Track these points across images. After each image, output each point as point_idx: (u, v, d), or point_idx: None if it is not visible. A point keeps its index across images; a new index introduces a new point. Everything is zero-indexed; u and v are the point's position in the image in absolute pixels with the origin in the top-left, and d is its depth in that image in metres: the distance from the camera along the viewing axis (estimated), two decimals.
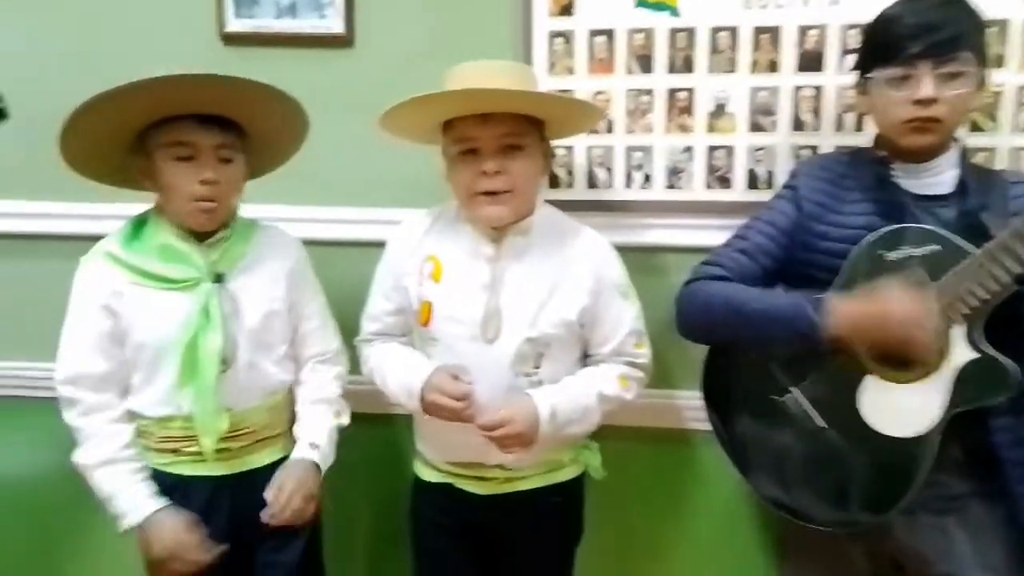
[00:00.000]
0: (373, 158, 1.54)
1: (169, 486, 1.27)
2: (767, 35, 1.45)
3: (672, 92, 1.49)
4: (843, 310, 1.14)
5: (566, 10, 1.48)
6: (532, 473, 1.32)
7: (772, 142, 1.48)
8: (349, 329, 1.42)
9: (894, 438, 1.17)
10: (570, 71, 1.50)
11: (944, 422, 1.14)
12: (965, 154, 1.23)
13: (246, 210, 1.36)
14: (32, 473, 1.75)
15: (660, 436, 1.59)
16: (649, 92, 1.49)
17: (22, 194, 1.61)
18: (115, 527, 1.26)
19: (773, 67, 1.46)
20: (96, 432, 1.26)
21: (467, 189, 1.24)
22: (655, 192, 1.53)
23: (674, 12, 1.46)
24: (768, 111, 1.47)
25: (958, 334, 1.13)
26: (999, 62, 1.38)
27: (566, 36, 1.49)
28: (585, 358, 1.34)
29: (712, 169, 1.51)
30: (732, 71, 1.47)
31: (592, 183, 1.54)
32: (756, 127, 1.48)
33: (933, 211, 1.19)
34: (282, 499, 1.27)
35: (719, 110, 1.48)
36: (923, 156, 1.20)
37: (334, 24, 1.51)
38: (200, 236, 1.27)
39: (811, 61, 1.44)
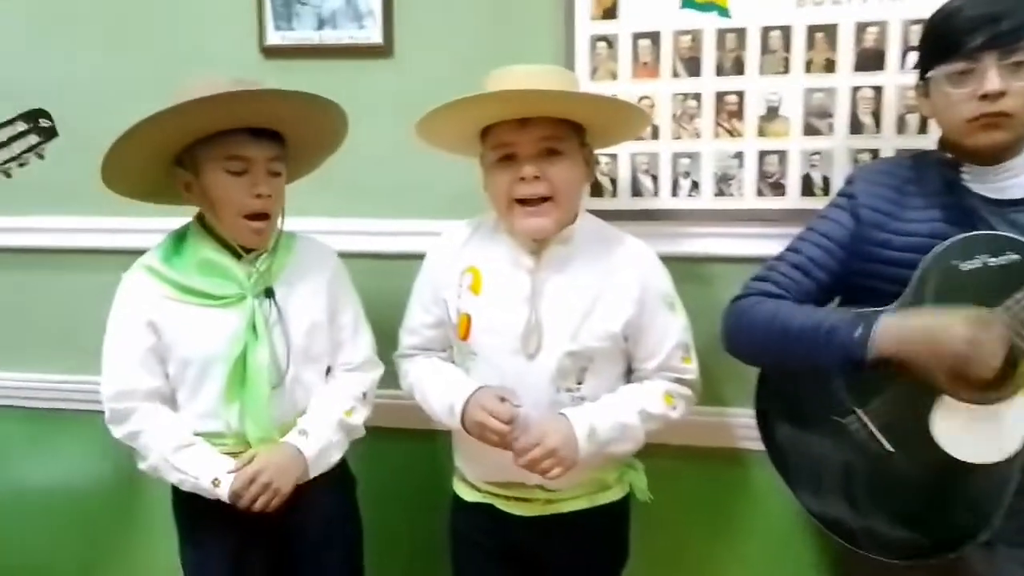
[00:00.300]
0: (413, 169, 1.52)
1: (214, 500, 1.24)
2: (822, 33, 1.37)
3: (721, 95, 1.42)
4: (891, 330, 1.06)
5: (609, 13, 1.43)
6: (575, 495, 1.27)
7: (828, 146, 1.41)
8: (389, 343, 1.39)
9: (972, 464, 1.07)
10: (613, 76, 1.45)
11: None
12: None
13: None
14: (81, 484, 1.78)
15: (710, 456, 1.52)
16: (696, 96, 1.43)
17: (71, 209, 1.64)
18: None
19: (829, 67, 1.38)
20: (157, 429, 1.23)
21: (505, 196, 1.20)
22: (703, 200, 1.46)
23: (723, 12, 1.40)
24: (824, 113, 1.40)
25: None
26: None
27: (609, 40, 1.44)
28: (630, 373, 1.29)
29: (764, 175, 1.44)
30: (785, 72, 1.40)
31: (637, 191, 1.49)
32: (811, 130, 1.41)
33: (1008, 217, 1.10)
34: (243, 476, 1.18)
35: (771, 113, 1.42)
36: (994, 157, 1.11)
37: (373, 34, 1.50)
38: (241, 250, 1.25)
39: (870, 60, 1.37)
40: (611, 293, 1.22)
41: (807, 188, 1.42)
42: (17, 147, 1.23)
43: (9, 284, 1.72)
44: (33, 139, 1.25)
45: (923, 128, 1.36)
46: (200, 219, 1.28)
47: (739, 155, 1.44)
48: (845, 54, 1.37)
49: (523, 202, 1.19)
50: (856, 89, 1.38)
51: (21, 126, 1.25)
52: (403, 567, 1.68)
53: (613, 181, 1.49)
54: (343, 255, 1.39)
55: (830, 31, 1.37)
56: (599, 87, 1.44)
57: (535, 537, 1.28)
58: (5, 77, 1.64)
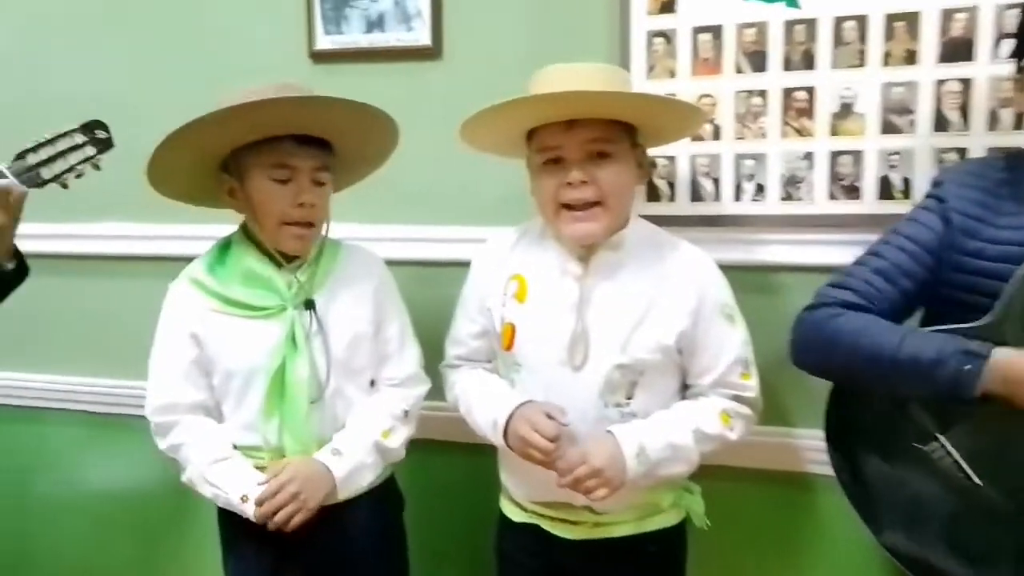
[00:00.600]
0: (461, 173, 1.47)
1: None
2: (902, 22, 1.26)
3: (788, 92, 1.32)
4: (1001, 367, 0.95)
5: (667, 7, 1.35)
6: (625, 519, 1.19)
7: (909, 145, 1.29)
8: (434, 353, 1.34)
9: None
10: (671, 73, 1.37)
11: None
12: None
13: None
14: (136, 488, 1.80)
15: (774, 479, 1.42)
16: (762, 93, 1.33)
17: (125, 216, 1.66)
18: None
19: (910, 58, 1.26)
20: (196, 442, 1.22)
21: (552, 201, 1.14)
22: (769, 205, 1.36)
23: (791, 2, 1.30)
24: (904, 109, 1.28)
25: None
26: None
27: (667, 35, 1.36)
28: (686, 389, 1.20)
29: (836, 177, 1.33)
30: (860, 65, 1.29)
31: (697, 195, 1.40)
32: (889, 128, 1.29)
33: None
34: (272, 484, 1.14)
35: (845, 110, 1.31)
36: None
37: (421, 36, 1.46)
38: (284, 259, 1.22)
39: (957, 50, 1.24)
40: (664, 303, 1.14)
41: (885, 191, 1.31)
42: (74, 158, 1.24)
43: (66, 289, 1.76)
44: (90, 150, 1.26)
45: (1019, 124, 1.23)
46: (244, 228, 1.26)
47: (809, 156, 1.33)
48: (928, 44, 1.25)
49: (570, 207, 1.13)
50: (941, 82, 1.26)
51: (79, 137, 1.25)
52: None
53: (671, 184, 1.41)
54: (389, 263, 1.35)
55: (911, 19, 1.25)
56: (656, 86, 1.36)
57: (582, 561, 1.21)
58: (62, 88, 1.69)
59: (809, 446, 1.35)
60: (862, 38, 1.28)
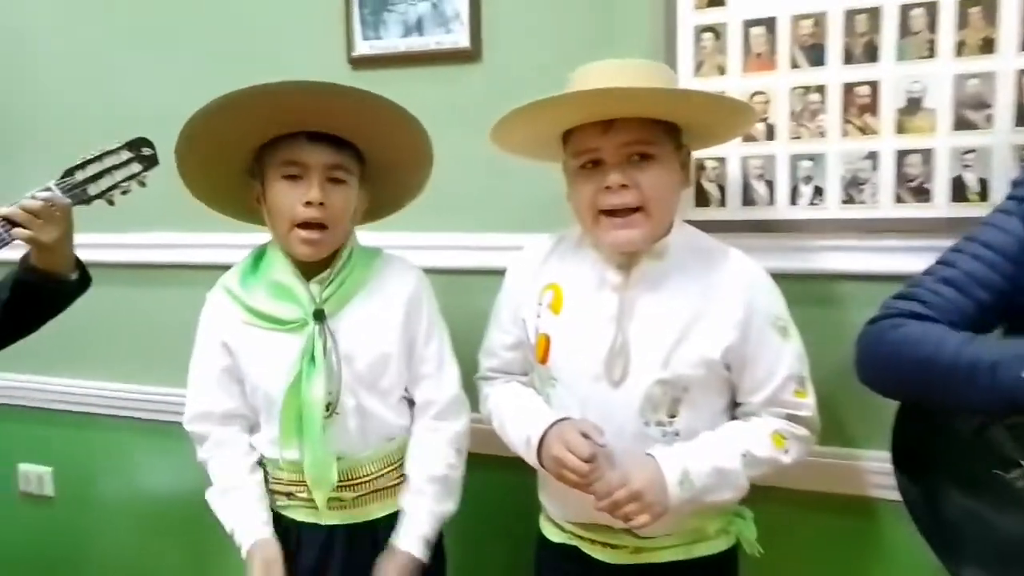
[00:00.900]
0: (500, 179, 1.43)
1: (285, 529, 1.22)
2: (977, 8, 1.15)
3: (850, 87, 1.23)
4: None
5: (716, 0, 1.28)
6: (669, 544, 1.12)
7: (986, 142, 1.18)
8: (469, 365, 1.30)
9: None
10: (721, 71, 1.29)
11: None
12: None
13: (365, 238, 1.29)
14: (183, 493, 1.82)
15: (833, 504, 1.32)
16: (820, 89, 1.24)
17: (175, 226, 1.67)
18: None
19: (987, 47, 1.16)
20: (221, 466, 1.23)
21: (590, 207, 1.08)
22: (829, 209, 1.27)
23: None
24: (980, 103, 1.17)
25: None
26: None
27: (716, 30, 1.28)
28: (735, 407, 1.12)
29: (903, 179, 1.22)
30: (930, 56, 1.19)
31: (749, 200, 1.31)
32: (963, 124, 1.18)
33: None
34: None
35: (912, 105, 1.20)
36: None
37: (460, 38, 1.43)
38: (312, 270, 1.18)
39: None
40: (710, 315, 1.07)
41: (959, 193, 1.20)
42: (119, 175, 1.26)
43: (117, 298, 1.78)
44: (135, 167, 1.28)
45: None
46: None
47: (872, 156, 1.24)
48: (1009, 31, 1.14)
49: (610, 213, 1.06)
50: (1022, 73, 1.15)
51: (124, 154, 1.27)
52: None
53: (721, 188, 1.33)
54: (425, 271, 1.30)
55: (988, 5, 1.15)
56: (704, 84, 1.29)
57: None
58: (108, 103, 1.72)
59: (873, 468, 1.26)
60: (932, 27, 1.18)
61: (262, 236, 1.28)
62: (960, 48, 1.17)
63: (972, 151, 1.19)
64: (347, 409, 1.17)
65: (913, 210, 1.22)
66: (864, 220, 1.25)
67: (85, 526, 1.93)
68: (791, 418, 1.08)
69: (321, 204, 1.12)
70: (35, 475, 1.94)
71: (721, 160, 1.32)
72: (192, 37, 1.66)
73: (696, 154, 1.23)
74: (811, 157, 1.27)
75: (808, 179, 1.28)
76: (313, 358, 1.14)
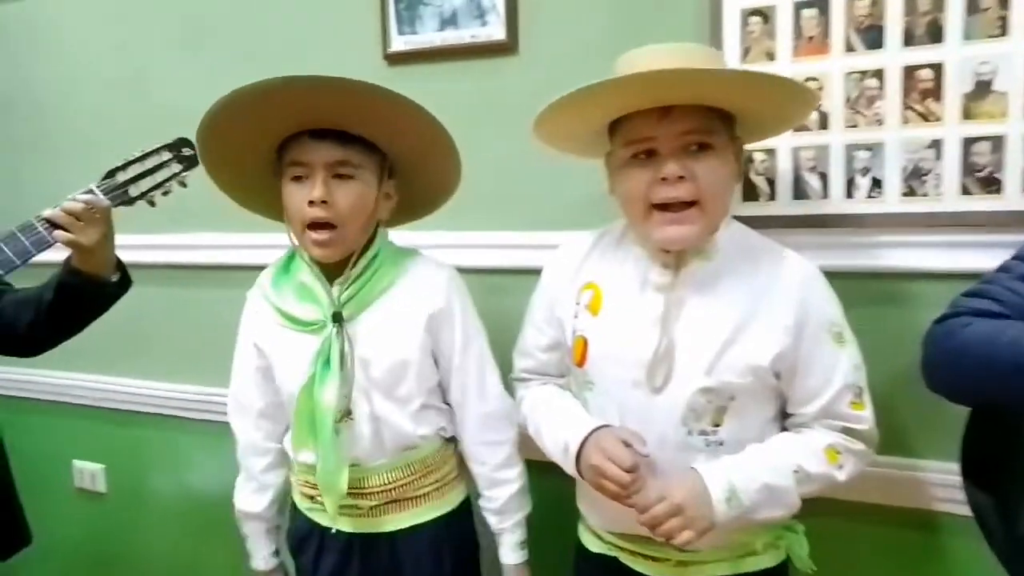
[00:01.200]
0: (538, 175, 1.39)
1: (308, 532, 1.21)
2: None
3: (911, 71, 1.15)
4: None
5: None
6: (714, 558, 1.06)
7: None
8: (504, 367, 1.26)
9: None
10: (769, 56, 1.22)
11: None
12: None
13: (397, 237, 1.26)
14: (231, 492, 1.83)
15: (893, 518, 1.24)
16: (878, 73, 1.16)
17: (219, 226, 1.67)
18: None
19: None
20: (247, 481, 1.29)
21: (641, 200, 1.01)
22: (888, 202, 1.19)
23: None
24: None
25: None
26: None
27: (764, 13, 1.21)
28: (785, 417, 1.06)
29: (971, 169, 1.14)
30: (1001, 35, 1.09)
31: (801, 193, 1.24)
32: None
33: None
34: None
35: (981, 89, 1.11)
36: None
37: (496, 31, 1.38)
38: (337, 271, 1.15)
39: None
40: (760, 319, 1.00)
41: None
42: (161, 175, 1.26)
43: (164, 299, 1.80)
44: (176, 167, 1.28)
45: None
46: None
47: (936, 144, 1.15)
48: None
49: (663, 208, 1.00)
50: None
51: (165, 155, 1.28)
52: None
53: (771, 182, 1.26)
54: (460, 270, 1.26)
55: None
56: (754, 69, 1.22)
57: None
58: (144, 103, 1.73)
59: (937, 480, 1.19)
60: (1003, 2, 1.09)
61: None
62: None
63: None
64: (360, 415, 1.14)
65: (981, 202, 1.14)
66: (927, 214, 1.17)
67: (136, 522, 1.96)
68: (847, 431, 1.01)
69: (324, 202, 1.08)
70: (88, 472, 1.98)
71: (770, 152, 1.24)
72: (228, 37, 1.65)
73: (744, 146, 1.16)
74: (868, 147, 1.19)
75: (865, 170, 1.20)
76: (328, 361, 1.11)
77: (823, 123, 1.20)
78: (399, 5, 1.45)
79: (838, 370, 1.00)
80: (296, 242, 1.16)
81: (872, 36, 1.16)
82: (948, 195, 1.15)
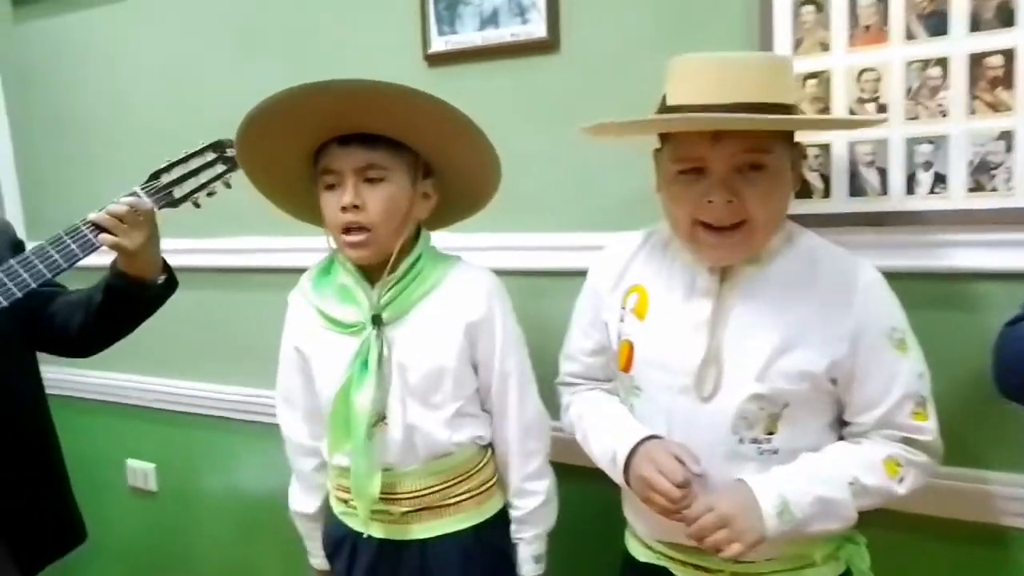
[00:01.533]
0: (580, 174, 1.36)
1: (342, 536, 1.21)
2: None
3: (977, 58, 1.08)
4: None
5: None
6: (770, 569, 1.02)
7: None
8: (547, 371, 1.24)
9: None
10: (824, 47, 1.16)
11: None
12: None
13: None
14: (280, 492, 1.84)
15: (959, 532, 1.18)
16: (941, 62, 1.10)
17: (263, 230, 1.67)
18: None
19: None
20: (298, 482, 1.30)
21: (688, 216, 0.98)
22: (953, 199, 1.12)
23: None
24: None
25: None
26: None
27: (817, 3, 1.16)
28: (842, 426, 1.01)
29: None
30: None
31: (858, 190, 1.18)
32: None
33: None
34: None
35: None
36: None
37: (536, 29, 1.35)
38: (375, 274, 1.15)
39: None
40: (816, 324, 0.96)
41: None
42: (205, 176, 1.27)
43: (211, 301, 1.82)
44: (220, 168, 1.29)
45: None
46: None
47: (1006, 136, 1.08)
48: None
49: (710, 226, 0.96)
50: None
51: (209, 156, 1.29)
52: None
53: (825, 178, 1.20)
54: (497, 273, 1.23)
55: None
56: (806, 63, 1.17)
57: None
58: (187, 106, 1.75)
59: (1007, 494, 1.13)
60: None
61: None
62: None
63: None
64: (395, 419, 1.14)
65: None
66: (996, 210, 1.10)
67: (187, 520, 2.00)
68: (908, 442, 0.96)
69: (356, 207, 1.09)
70: (141, 471, 2.02)
71: (825, 147, 1.19)
72: (268, 39, 1.66)
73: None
74: (931, 140, 1.13)
75: (928, 165, 1.13)
76: (366, 363, 1.11)
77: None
78: (439, 5, 1.44)
79: (899, 378, 0.95)
80: (335, 246, 1.16)
81: (935, 22, 1.10)
82: (1019, 190, 1.08)
